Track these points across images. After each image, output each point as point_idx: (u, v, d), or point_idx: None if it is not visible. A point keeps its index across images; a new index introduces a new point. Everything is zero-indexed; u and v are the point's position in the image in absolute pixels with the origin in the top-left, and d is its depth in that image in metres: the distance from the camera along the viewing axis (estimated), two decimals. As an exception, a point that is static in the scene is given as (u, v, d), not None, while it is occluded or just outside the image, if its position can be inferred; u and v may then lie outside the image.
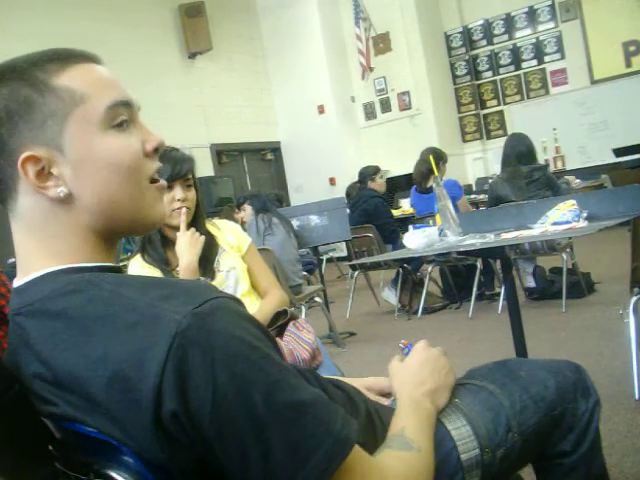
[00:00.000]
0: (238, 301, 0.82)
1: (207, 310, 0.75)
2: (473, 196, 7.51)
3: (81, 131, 0.83)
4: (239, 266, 2.24)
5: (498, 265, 4.89)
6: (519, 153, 4.97)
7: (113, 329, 0.76)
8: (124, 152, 0.86)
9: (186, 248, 2.05)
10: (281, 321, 1.89)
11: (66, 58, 0.85)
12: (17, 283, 0.89)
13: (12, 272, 0.98)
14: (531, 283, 5.14)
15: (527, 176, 4.88)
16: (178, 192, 2.08)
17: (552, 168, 8.16)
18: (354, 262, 5.54)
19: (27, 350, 0.83)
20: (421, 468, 0.91)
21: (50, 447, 0.92)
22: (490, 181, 6.08)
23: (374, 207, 5.92)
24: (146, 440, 0.75)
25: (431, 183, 5.28)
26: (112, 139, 0.85)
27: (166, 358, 0.72)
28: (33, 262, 0.87)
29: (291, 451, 0.73)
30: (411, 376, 1.13)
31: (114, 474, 0.81)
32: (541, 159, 6.52)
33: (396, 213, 7.40)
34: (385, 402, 1.22)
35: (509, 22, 10.60)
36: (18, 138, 0.82)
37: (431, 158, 3.55)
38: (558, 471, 1.23)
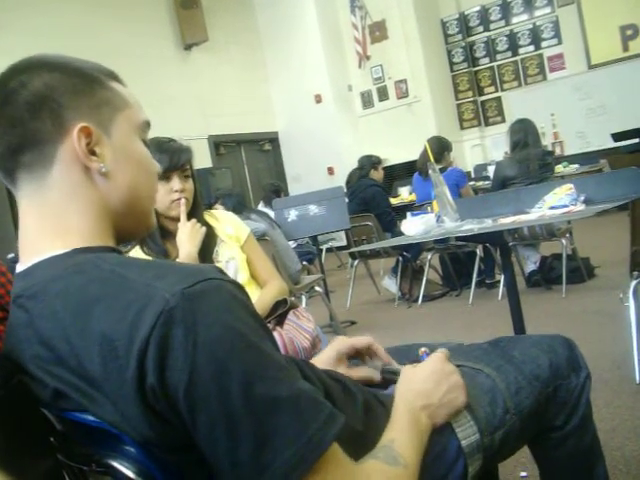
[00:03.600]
0: (237, 285, 0.82)
1: (198, 290, 0.75)
2: (472, 183, 7.51)
3: (126, 127, 0.94)
4: (238, 256, 2.24)
5: (498, 253, 4.90)
6: (534, 136, 5.05)
7: (110, 307, 0.77)
8: (150, 160, 0.98)
9: (186, 239, 2.05)
10: (281, 310, 1.89)
11: (110, 73, 0.96)
12: (20, 268, 0.90)
13: (10, 267, 0.98)
14: (531, 266, 5.13)
15: (540, 158, 4.93)
16: (176, 183, 2.07)
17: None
18: (353, 250, 5.54)
19: (29, 331, 0.84)
20: None
21: (51, 439, 0.93)
22: (497, 161, 6.03)
23: (372, 196, 5.91)
24: (136, 419, 0.75)
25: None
26: (142, 147, 0.97)
27: (150, 333, 0.73)
28: (39, 245, 0.88)
29: (260, 446, 0.72)
30: (417, 384, 1.07)
31: (116, 464, 0.82)
32: (540, 145, 6.51)
33: (395, 201, 7.40)
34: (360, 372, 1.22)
35: (505, 8, 10.56)
36: (76, 110, 0.88)
37: (427, 145, 3.55)
38: (549, 444, 1.26)
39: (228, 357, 0.73)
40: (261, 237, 4.05)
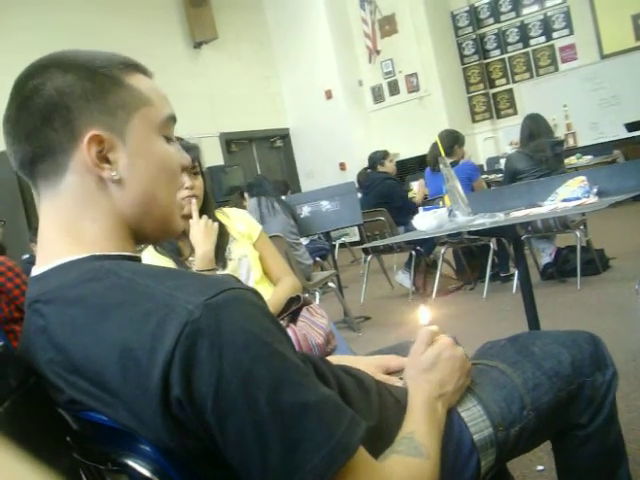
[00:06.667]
0: (255, 293, 0.82)
1: (220, 301, 0.75)
2: (484, 176, 7.47)
3: (143, 128, 0.90)
4: (250, 254, 2.24)
5: (512, 246, 4.87)
6: (544, 128, 5.05)
7: (129, 316, 0.77)
8: (171, 158, 0.94)
9: (202, 238, 2.04)
10: (294, 307, 1.90)
11: (132, 65, 0.92)
12: (36, 271, 0.90)
13: (26, 268, 0.99)
14: (547, 259, 5.11)
15: (551, 149, 4.91)
16: (185, 180, 2.07)
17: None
18: (366, 245, 5.53)
19: (44, 337, 0.84)
20: (427, 476, 0.89)
21: (68, 438, 0.93)
22: (508, 154, 6.02)
23: (389, 188, 5.91)
24: (157, 427, 0.76)
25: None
26: (164, 144, 0.93)
27: (175, 346, 0.73)
28: (56, 249, 0.88)
29: (289, 452, 0.73)
30: (431, 372, 1.08)
31: (132, 462, 0.82)
32: (552, 136, 6.49)
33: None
34: (397, 383, 1.18)
35: (516, -1, 10.49)
36: (87, 117, 0.85)
37: (438, 139, 3.54)
38: (573, 442, 1.24)
39: (254, 365, 0.74)
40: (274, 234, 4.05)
